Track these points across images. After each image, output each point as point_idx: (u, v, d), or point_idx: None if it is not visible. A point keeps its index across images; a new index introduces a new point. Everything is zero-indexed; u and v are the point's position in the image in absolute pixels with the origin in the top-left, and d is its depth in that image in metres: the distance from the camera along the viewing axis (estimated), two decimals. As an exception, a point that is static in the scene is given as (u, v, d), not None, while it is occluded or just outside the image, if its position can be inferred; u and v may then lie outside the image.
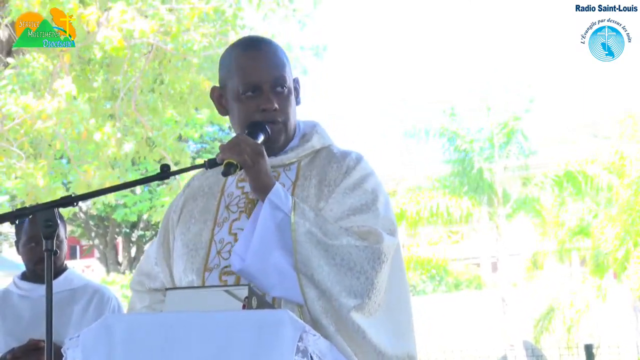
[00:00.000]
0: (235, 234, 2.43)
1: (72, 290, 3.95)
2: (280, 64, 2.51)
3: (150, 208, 22.30)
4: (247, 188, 2.48)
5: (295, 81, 2.59)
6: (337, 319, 2.30)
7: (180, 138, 12.71)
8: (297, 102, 2.59)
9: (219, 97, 2.57)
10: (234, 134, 2.52)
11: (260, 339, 2.01)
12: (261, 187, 2.34)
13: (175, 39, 10.11)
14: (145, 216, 23.76)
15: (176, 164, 11.45)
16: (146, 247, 29.74)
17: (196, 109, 12.05)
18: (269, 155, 2.42)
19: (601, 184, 17.51)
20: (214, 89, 2.59)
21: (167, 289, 2.30)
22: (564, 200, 18.28)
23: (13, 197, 15.71)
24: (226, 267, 2.40)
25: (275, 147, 2.49)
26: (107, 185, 10.46)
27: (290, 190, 2.47)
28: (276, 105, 2.46)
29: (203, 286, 2.38)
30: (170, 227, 2.61)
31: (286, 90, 2.50)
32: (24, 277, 4.03)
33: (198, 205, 2.56)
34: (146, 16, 9.84)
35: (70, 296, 3.93)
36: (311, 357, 2.05)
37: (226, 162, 2.28)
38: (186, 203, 2.61)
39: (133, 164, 12.89)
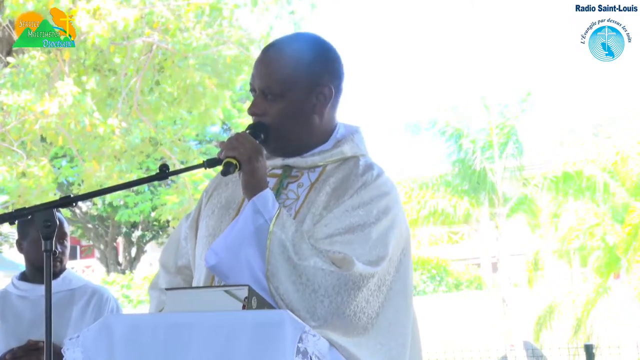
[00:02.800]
0: None
1: (71, 290, 3.95)
2: (278, 72, 2.49)
3: (153, 209, 22.27)
4: (270, 184, 2.47)
5: (319, 91, 2.52)
6: None
7: (179, 139, 12.70)
8: (316, 111, 2.53)
9: None
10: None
11: (260, 339, 2.02)
12: (251, 187, 2.36)
13: (174, 36, 10.10)
14: (148, 215, 23.75)
15: (182, 163, 11.44)
16: (146, 247, 29.78)
17: (190, 112, 12.01)
18: (295, 155, 2.50)
19: (601, 183, 17.50)
20: None
21: (166, 289, 2.30)
22: (564, 200, 18.27)
23: (11, 199, 15.71)
24: None
25: (269, 150, 2.50)
26: (115, 178, 10.49)
27: (307, 190, 2.48)
28: (255, 110, 2.49)
29: (203, 286, 2.38)
30: (202, 207, 2.64)
31: (280, 97, 2.48)
32: (23, 277, 4.03)
33: (228, 191, 2.59)
34: (132, 7, 9.81)
35: (70, 297, 3.93)
36: (311, 358, 2.05)
37: (225, 161, 2.31)
38: (218, 186, 2.63)
39: (140, 167, 12.89)
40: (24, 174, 10.51)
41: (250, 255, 2.31)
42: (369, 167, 2.54)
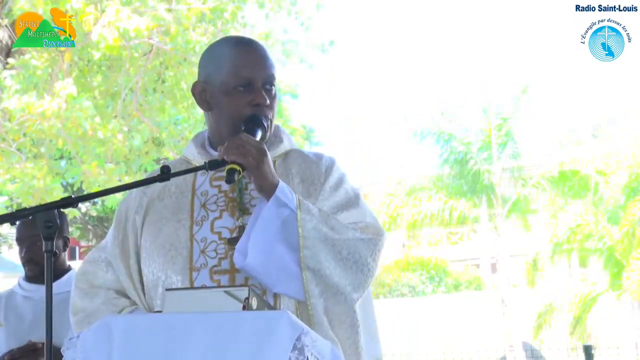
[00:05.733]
0: (220, 233, 2.42)
1: (74, 291, 3.95)
2: (271, 64, 2.53)
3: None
4: (225, 186, 2.47)
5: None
6: (337, 316, 2.33)
7: (182, 139, 12.70)
8: None
9: (202, 92, 2.55)
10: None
11: (258, 339, 2.02)
12: (267, 187, 2.34)
13: (174, 40, 10.10)
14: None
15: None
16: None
17: (195, 108, 12.02)
18: None
19: (599, 184, 17.52)
20: (196, 83, 2.57)
21: (166, 290, 2.30)
22: (563, 200, 18.29)
23: (12, 199, 15.70)
24: (215, 266, 2.39)
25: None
26: (114, 181, 10.47)
27: None
28: (264, 101, 2.47)
29: (203, 287, 2.36)
30: (131, 228, 2.55)
31: (274, 89, 2.52)
32: (28, 278, 4.05)
33: (167, 205, 2.52)
34: (141, 15, 9.81)
35: (73, 298, 3.92)
36: (307, 358, 2.04)
37: (228, 168, 2.27)
38: (151, 204, 2.55)
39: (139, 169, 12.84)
40: (20, 176, 10.50)
41: (280, 250, 2.32)
42: (318, 153, 2.62)
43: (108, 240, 2.60)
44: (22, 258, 3.98)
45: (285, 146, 2.58)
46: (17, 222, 3.91)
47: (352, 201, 2.50)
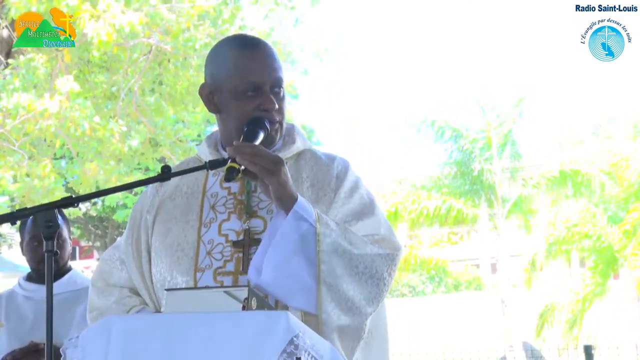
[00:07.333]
0: (227, 235, 2.42)
1: (75, 291, 3.93)
2: (278, 66, 2.50)
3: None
4: (235, 189, 2.46)
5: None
6: (347, 330, 2.31)
7: (180, 140, 12.69)
8: None
9: (210, 95, 2.52)
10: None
11: (256, 339, 2.01)
12: (286, 198, 2.31)
13: (175, 38, 10.08)
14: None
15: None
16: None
17: (194, 108, 11.99)
18: None
19: (599, 183, 17.52)
20: (203, 86, 2.54)
21: (166, 290, 2.29)
22: (563, 200, 18.28)
23: (13, 199, 15.71)
24: (220, 267, 2.38)
25: (270, 147, 2.45)
26: (113, 180, 10.46)
27: None
28: (273, 106, 2.44)
29: (203, 287, 2.36)
30: (143, 227, 2.55)
31: (282, 91, 2.50)
32: (29, 278, 4.05)
33: (177, 205, 2.52)
34: (135, 10, 9.77)
35: (74, 297, 3.91)
36: (300, 356, 2.03)
37: (228, 167, 2.26)
38: (163, 203, 2.55)
39: (138, 163, 12.82)
40: (27, 175, 10.50)
41: (296, 263, 2.29)
42: (331, 155, 2.58)
43: (123, 239, 2.61)
44: (36, 255, 3.94)
45: (297, 147, 2.55)
46: (27, 221, 3.93)
47: (368, 209, 2.47)
